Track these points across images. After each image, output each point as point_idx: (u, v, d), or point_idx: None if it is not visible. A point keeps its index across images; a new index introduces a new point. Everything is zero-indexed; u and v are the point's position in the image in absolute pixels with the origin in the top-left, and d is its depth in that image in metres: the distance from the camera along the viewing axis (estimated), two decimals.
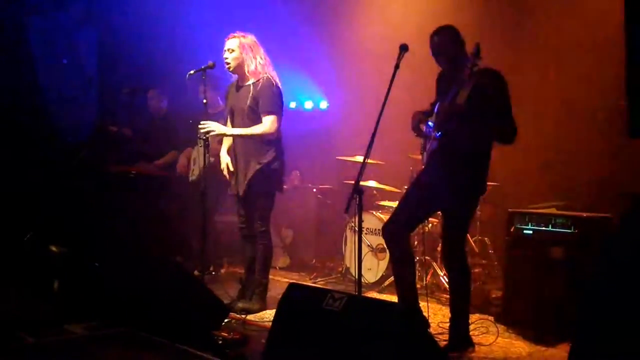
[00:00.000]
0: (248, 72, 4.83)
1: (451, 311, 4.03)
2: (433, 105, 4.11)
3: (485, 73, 3.75)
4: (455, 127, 3.80)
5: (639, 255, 2.15)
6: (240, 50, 4.80)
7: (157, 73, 6.75)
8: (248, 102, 4.79)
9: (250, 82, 4.84)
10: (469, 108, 3.65)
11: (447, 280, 5.07)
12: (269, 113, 4.76)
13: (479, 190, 4.07)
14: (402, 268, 4.10)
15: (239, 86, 4.94)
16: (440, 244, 5.27)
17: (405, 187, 5.49)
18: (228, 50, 4.83)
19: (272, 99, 4.79)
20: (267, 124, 4.74)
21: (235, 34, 4.86)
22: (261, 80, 4.81)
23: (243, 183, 4.87)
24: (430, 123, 4.03)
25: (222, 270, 6.51)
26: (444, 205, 4.05)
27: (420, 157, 4.24)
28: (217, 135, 4.81)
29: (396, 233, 4.05)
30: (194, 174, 6.29)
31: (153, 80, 6.73)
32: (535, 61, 6.22)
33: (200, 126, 4.66)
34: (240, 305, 4.87)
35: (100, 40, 7.01)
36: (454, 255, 4.01)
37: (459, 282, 4.03)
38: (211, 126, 4.68)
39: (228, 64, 4.82)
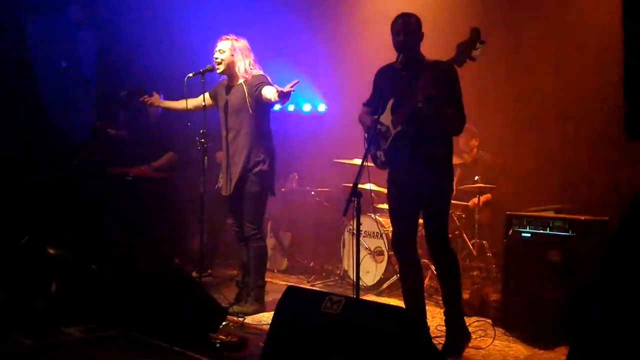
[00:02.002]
0: (238, 73, 4.89)
1: (445, 305, 4.06)
2: (382, 101, 4.03)
3: (439, 65, 3.76)
4: (418, 122, 3.80)
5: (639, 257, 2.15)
6: (231, 52, 4.86)
7: (156, 75, 6.74)
8: (247, 100, 4.82)
9: (241, 81, 4.89)
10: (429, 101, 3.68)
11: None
12: (270, 85, 4.78)
13: (451, 176, 4.08)
14: (412, 281, 4.13)
15: (229, 86, 4.98)
16: None
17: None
18: (219, 50, 4.89)
19: (266, 78, 4.86)
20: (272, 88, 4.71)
21: (228, 36, 4.91)
22: (250, 78, 4.87)
23: (232, 184, 4.89)
24: (382, 120, 3.99)
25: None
26: (426, 200, 4.01)
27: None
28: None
29: (405, 245, 4.09)
30: (221, 181, 6.30)
31: (152, 83, 6.73)
32: (534, 65, 6.22)
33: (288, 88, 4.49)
34: (235, 307, 4.87)
35: (99, 43, 7.01)
36: (443, 246, 4.01)
37: (449, 274, 4.05)
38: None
39: (219, 63, 4.87)
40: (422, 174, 3.91)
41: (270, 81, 4.84)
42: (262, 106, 4.83)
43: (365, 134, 4.12)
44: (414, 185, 3.96)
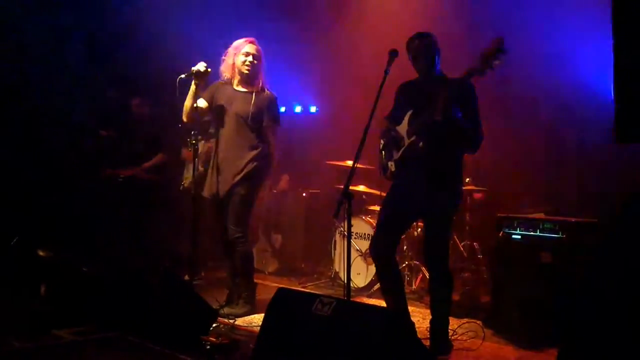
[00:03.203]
0: (254, 81, 4.90)
1: (432, 314, 4.05)
2: (400, 114, 4.06)
3: (459, 83, 3.77)
4: (433, 134, 3.82)
5: (630, 259, 2.16)
6: (262, 59, 4.92)
7: (147, 76, 6.73)
8: (251, 109, 4.83)
9: (252, 90, 4.89)
10: (448, 114, 3.71)
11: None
12: (276, 123, 4.97)
13: (458, 195, 4.10)
14: (390, 282, 4.12)
15: (235, 90, 4.95)
16: None
17: None
18: (253, 55, 4.88)
19: (277, 111, 5.00)
20: (273, 136, 4.97)
21: (255, 41, 4.93)
22: (262, 93, 4.90)
23: (225, 187, 4.88)
24: (399, 130, 4.02)
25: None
26: (427, 214, 4.04)
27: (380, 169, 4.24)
28: None
29: (384, 252, 4.07)
30: (186, 181, 6.26)
31: (143, 83, 6.72)
32: (527, 70, 6.24)
33: None
34: (226, 309, 4.87)
35: (92, 43, 6.99)
36: (439, 263, 4.01)
37: (442, 288, 4.04)
38: None
39: (251, 70, 4.87)
40: (429, 188, 3.92)
41: (277, 107, 4.99)
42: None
43: (381, 140, 4.15)
44: (417, 198, 3.96)
